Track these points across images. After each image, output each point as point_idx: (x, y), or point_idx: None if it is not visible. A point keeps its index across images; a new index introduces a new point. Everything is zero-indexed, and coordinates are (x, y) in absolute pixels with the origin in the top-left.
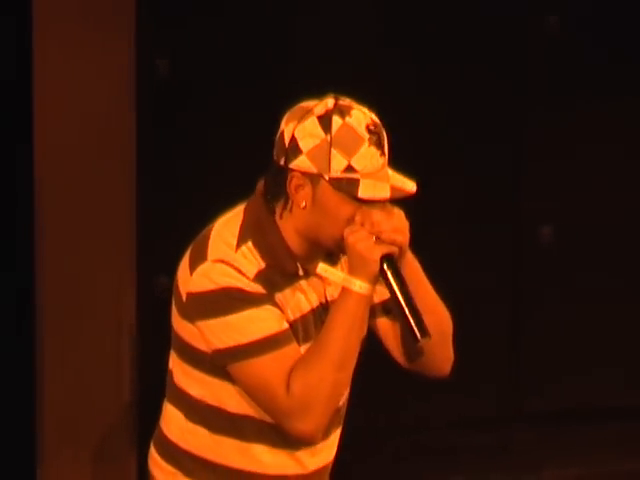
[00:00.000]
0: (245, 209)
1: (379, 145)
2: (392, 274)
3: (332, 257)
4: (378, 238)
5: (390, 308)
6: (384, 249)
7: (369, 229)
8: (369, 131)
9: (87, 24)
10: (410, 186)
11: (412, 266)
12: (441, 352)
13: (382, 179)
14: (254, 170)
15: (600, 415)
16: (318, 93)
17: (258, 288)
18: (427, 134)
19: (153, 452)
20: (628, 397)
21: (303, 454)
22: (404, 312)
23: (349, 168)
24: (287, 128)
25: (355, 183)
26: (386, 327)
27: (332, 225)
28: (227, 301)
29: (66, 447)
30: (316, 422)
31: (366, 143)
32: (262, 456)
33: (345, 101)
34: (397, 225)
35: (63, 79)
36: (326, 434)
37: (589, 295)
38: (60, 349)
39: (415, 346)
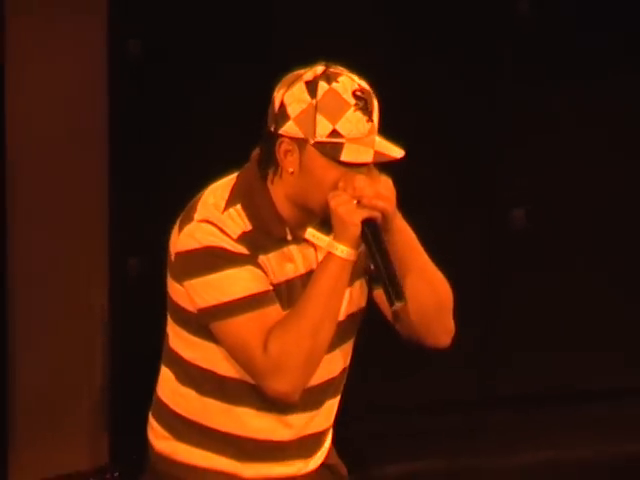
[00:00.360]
0: (238, 175)
1: (366, 111)
2: (372, 238)
3: (327, 225)
4: (359, 202)
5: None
6: (365, 213)
7: (351, 193)
8: (356, 97)
9: (58, 4)
10: (395, 152)
11: (405, 235)
12: (438, 323)
13: (367, 144)
14: (228, 151)
15: (574, 398)
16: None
17: (241, 249)
18: (399, 117)
19: (150, 416)
20: (602, 380)
21: (294, 420)
22: (381, 276)
23: (334, 133)
24: (278, 94)
25: (339, 147)
26: (383, 297)
27: (318, 190)
28: (209, 260)
29: (38, 430)
30: (292, 383)
31: (352, 108)
32: (249, 420)
33: (336, 68)
34: (381, 191)
35: (34, 60)
36: (319, 403)
37: (561, 279)
38: (32, 332)
39: (392, 310)
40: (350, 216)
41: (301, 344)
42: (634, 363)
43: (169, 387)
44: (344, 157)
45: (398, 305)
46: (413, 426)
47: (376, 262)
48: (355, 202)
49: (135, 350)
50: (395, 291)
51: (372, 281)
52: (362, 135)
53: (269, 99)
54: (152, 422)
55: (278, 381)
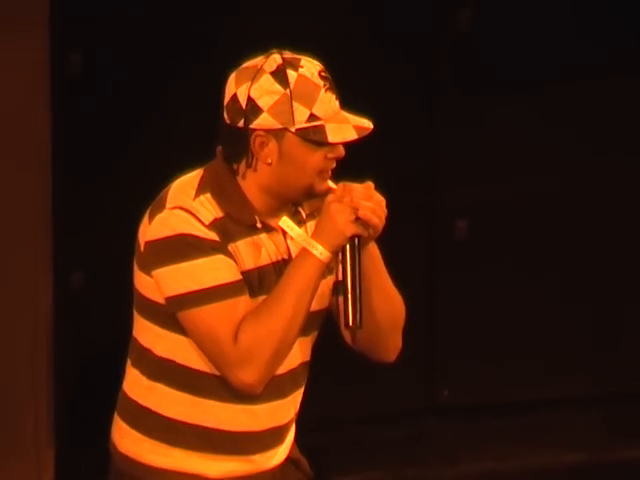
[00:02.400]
0: (205, 169)
1: (332, 89)
2: (351, 255)
3: (297, 216)
4: (357, 218)
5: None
6: (358, 229)
7: (348, 203)
8: (322, 77)
9: None
10: (367, 123)
11: (373, 255)
12: (390, 340)
13: (343, 121)
14: (174, 163)
15: (516, 408)
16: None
17: (213, 236)
18: None
19: (115, 416)
20: (543, 390)
21: (260, 410)
22: (346, 294)
23: (312, 117)
24: (240, 90)
25: (321, 129)
26: (340, 307)
27: (301, 176)
28: (181, 248)
29: None
30: (259, 375)
31: (322, 89)
32: (216, 411)
33: (288, 54)
34: (376, 208)
35: None
36: (282, 393)
37: (504, 289)
38: None
39: (344, 328)
40: (345, 226)
41: (272, 338)
42: (575, 372)
43: (137, 382)
44: (331, 138)
45: (352, 329)
46: (357, 437)
47: (345, 278)
48: (354, 216)
49: (80, 367)
50: (355, 315)
51: (335, 287)
52: (335, 113)
53: (215, 109)
54: (118, 420)
55: (245, 372)
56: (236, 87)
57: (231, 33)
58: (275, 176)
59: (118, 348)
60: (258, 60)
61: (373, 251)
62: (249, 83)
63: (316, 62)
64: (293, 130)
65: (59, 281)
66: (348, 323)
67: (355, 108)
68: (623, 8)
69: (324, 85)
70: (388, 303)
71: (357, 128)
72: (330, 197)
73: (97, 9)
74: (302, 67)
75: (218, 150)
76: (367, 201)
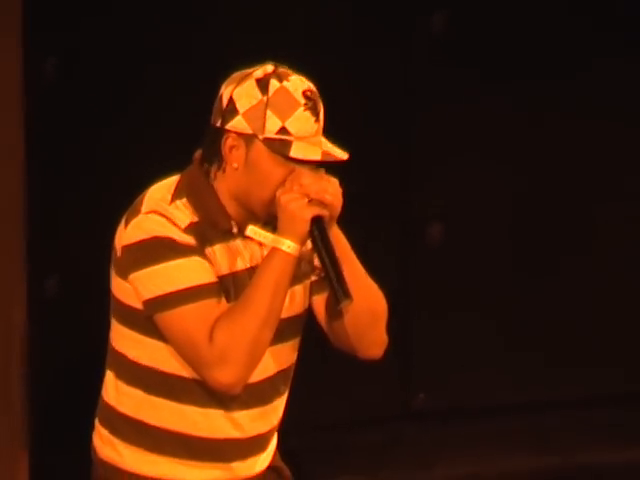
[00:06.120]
0: (181, 175)
1: (314, 111)
2: (320, 236)
3: (270, 225)
4: (310, 200)
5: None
6: (315, 210)
7: (298, 190)
8: (305, 97)
9: None
10: (340, 154)
11: (339, 241)
12: (372, 333)
13: (315, 143)
14: (149, 168)
15: (491, 412)
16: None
17: (189, 239)
18: None
19: (96, 422)
20: (516, 395)
21: (240, 417)
22: (328, 273)
23: (283, 130)
24: (226, 91)
25: (288, 144)
26: (321, 303)
27: (263, 187)
28: (157, 250)
29: None
30: (235, 374)
31: (302, 107)
32: (196, 417)
33: (284, 68)
34: (326, 187)
35: None
36: (266, 400)
37: (478, 294)
38: None
39: (337, 309)
40: (301, 212)
41: (247, 335)
42: (548, 376)
43: (114, 388)
44: (293, 153)
45: (345, 302)
46: (333, 442)
47: (323, 260)
48: (306, 200)
49: (55, 371)
50: (342, 289)
51: (313, 287)
52: (309, 135)
53: (188, 115)
54: (98, 427)
55: (222, 372)
56: (224, 88)
57: (209, 38)
58: (241, 183)
59: (93, 353)
60: (254, 67)
61: (337, 235)
62: (234, 85)
63: (308, 82)
64: (261, 138)
65: (33, 286)
66: (338, 299)
67: (330, 112)
68: (594, 8)
69: (305, 104)
70: (365, 293)
71: (325, 154)
72: (279, 191)
73: (71, 15)
74: (288, 81)
75: (195, 155)
76: (315, 183)
